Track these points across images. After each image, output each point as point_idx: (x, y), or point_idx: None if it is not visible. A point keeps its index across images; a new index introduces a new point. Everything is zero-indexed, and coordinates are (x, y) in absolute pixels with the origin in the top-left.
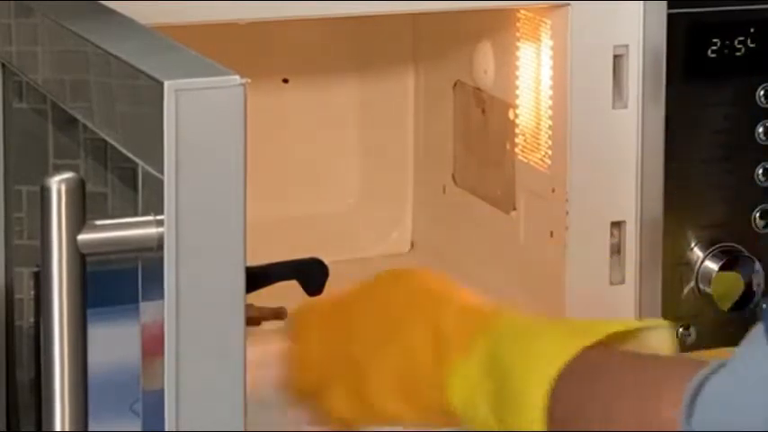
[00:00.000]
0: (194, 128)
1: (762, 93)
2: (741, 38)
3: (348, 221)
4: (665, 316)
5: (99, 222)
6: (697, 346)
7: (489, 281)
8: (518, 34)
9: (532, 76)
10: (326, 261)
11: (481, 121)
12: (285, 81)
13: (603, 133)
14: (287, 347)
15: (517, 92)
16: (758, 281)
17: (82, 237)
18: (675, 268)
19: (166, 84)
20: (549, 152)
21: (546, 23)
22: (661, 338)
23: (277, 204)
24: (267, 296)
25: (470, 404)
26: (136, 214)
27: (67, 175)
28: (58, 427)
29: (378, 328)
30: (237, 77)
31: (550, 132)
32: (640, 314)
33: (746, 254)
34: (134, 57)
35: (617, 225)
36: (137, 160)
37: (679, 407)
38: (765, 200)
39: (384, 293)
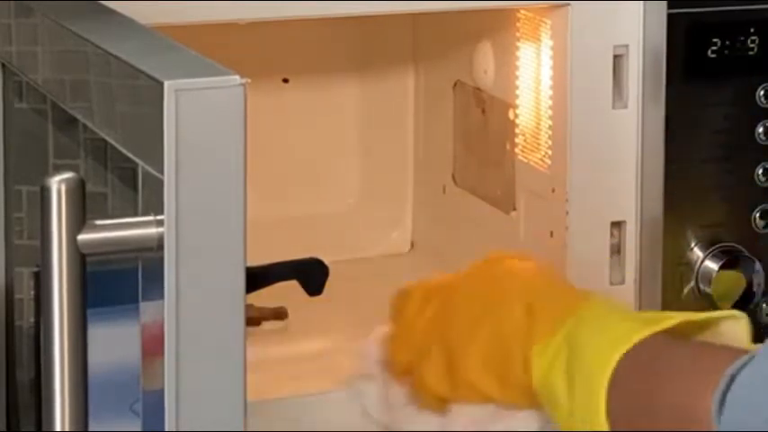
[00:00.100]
0: (194, 128)
1: (762, 93)
2: (741, 38)
3: (348, 221)
4: None
5: (99, 222)
6: None
7: None
8: (518, 34)
9: (532, 76)
10: (326, 261)
11: (481, 121)
12: (285, 81)
13: (603, 133)
14: (388, 329)
15: (517, 92)
16: (758, 281)
17: (82, 237)
18: (675, 268)
19: (166, 84)
20: (549, 152)
21: (546, 23)
22: (736, 329)
23: (277, 204)
24: (267, 296)
25: (546, 384)
26: (136, 214)
27: (67, 175)
28: (58, 427)
29: (473, 308)
30: (237, 77)
31: (550, 132)
32: None
33: (746, 254)
34: (134, 57)
35: (617, 225)
36: (137, 160)
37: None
38: (765, 200)
39: (481, 275)
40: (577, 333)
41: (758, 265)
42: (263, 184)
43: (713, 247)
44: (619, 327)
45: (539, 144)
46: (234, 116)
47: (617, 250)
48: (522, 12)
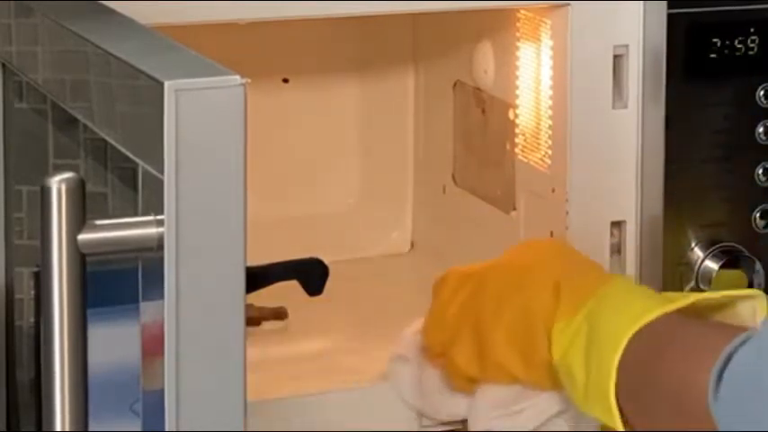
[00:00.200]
0: (194, 128)
1: (762, 93)
2: (741, 38)
3: (348, 221)
4: None
5: (99, 222)
6: None
7: None
8: (518, 34)
9: (532, 76)
10: (326, 261)
11: (481, 121)
12: (285, 81)
13: (603, 133)
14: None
15: (517, 92)
16: (758, 281)
17: (82, 237)
18: (675, 268)
19: (166, 84)
20: (549, 152)
21: (546, 23)
22: (755, 308)
23: (277, 204)
24: (267, 296)
25: (564, 363)
26: (136, 214)
27: (67, 175)
28: (58, 427)
29: (502, 291)
30: (237, 77)
31: (550, 132)
32: None
33: (747, 254)
34: (134, 57)
35: (617, 225)
36: (137, 160)
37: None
38: (765, 200)
39: (511, 259)
40: (597, 312)
41: (758, 265)
42: (263, 184)
43: (713, 247)
44: (634, 306)
45: (539, 144)
46: (234, 116)
47: (617, 250)
48: (522, 12)
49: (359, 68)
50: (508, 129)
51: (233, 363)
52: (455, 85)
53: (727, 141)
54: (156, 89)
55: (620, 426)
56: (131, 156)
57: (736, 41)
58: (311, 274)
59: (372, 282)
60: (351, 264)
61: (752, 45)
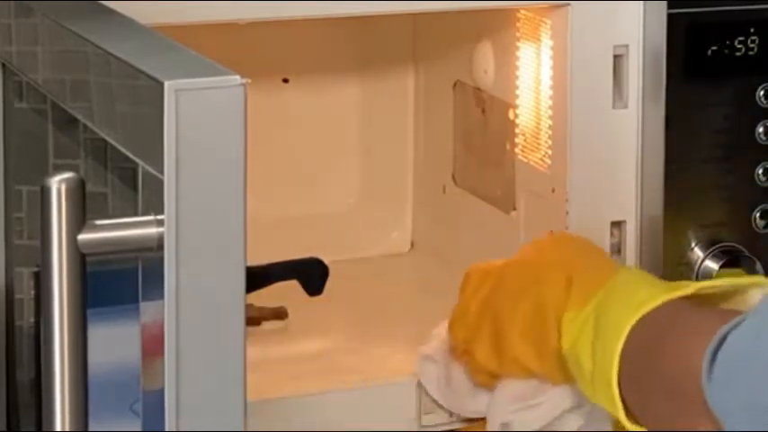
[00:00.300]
0: (194, 128)
1: (762, 93)
2: (741, 38)
3: (348, 221)
4: None
5: (99, 222)
6: None
7: None
8: (518, 34)
9: (532, 76)
10: (326, 261)
11: (481, 121)
12: (285, 81)
13: (603, 133)
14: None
15: (517, 92)
16: None
17: (82, 237)
18: (675, 268)
19: (166, 84)
20: (549, 152)
21: (546, 23)
22: (763, 295)
23: (277, 204)
24: (267, 296)
25: (573, 353)
26: (136, 214)
27: (67, 175)
28: (58, 427)
29: (519, 286)
30: (237, 77)
31: (550, 132)
32: None
33: (747, 254)
34: (134, 57)
35: (617, 225)
36: (137, 160)
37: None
38: (765, 200)
39: (528, 255)
40: (605, 302)
41: (758, 265)
42: (264, 184)
43: (713, 247)
44: (638, 295)
45: (539, 144)
46: (234, 116)
47: (617, 250)
48: (522, 12)
49: (359, 68)
50: (508, 129)
51: (233, 363)
52: (455, 85)
53: (727, 141)
54: (156, 89)
55: (622, 415)
56: (131, 156)
57: (736, 41)
58: (311, 274)
59: (372, 282)
60: (351, 264)
61: (752, 45)
